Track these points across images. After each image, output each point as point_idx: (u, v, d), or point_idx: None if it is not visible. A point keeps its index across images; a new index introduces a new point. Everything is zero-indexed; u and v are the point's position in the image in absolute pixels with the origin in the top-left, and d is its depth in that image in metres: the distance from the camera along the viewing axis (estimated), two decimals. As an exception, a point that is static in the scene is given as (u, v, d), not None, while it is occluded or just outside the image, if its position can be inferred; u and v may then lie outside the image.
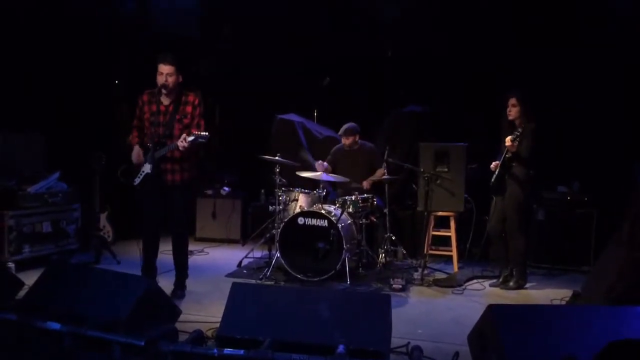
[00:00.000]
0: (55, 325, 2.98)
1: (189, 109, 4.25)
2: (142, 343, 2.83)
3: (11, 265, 4.88)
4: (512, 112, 4.82)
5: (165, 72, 4.16)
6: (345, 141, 5.86)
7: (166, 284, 4.40)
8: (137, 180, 4.27)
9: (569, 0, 6.00)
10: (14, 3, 5.56)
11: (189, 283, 4.61)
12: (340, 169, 5.84)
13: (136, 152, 4.34)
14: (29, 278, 3.77)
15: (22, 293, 3.69)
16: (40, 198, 5.33)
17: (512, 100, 4.83)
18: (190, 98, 4.28)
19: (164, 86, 4.14)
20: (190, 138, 4.02)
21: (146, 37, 6.76)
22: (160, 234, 4.47)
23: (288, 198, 5.41)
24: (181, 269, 4.51)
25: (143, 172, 4.22)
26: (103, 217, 5.90)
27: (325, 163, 5.80)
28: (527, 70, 6.08)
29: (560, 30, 5.99)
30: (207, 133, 4.08)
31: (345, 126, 5.85)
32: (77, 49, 6.14)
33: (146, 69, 4.27)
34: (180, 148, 4.08)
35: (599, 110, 5.89)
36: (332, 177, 5.51)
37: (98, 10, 6.36)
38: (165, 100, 4.28)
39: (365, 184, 5.72)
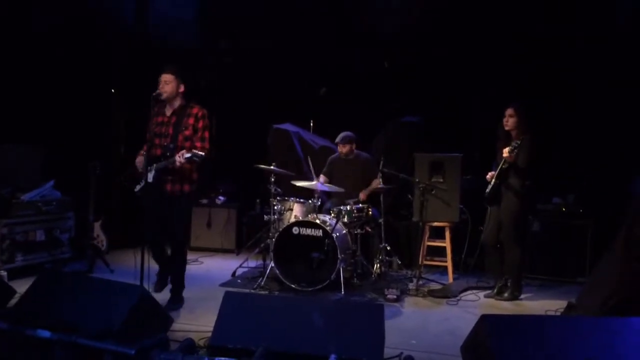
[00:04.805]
0: (46, 334, 2.94)
1: (190, 120, 4.26)
2: (133, 352, 2.80)
3: (3, 273, 4.83)
4: (509, 122, 4.82)
5: (163, 80, 4.21)
6: (342, 149, 5.85)
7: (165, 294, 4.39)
8: (138, 187, 4.27)
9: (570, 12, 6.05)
10: (12, 15, 5.57)
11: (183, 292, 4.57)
12: (336, 179, 5.83)
13: (139, 159, 4.38)
14: (22, 286, 3.73)
15: (13, 301, 3.67)
16: (33, 206, 5.31)
17: (510, 111, 4.83)
18: (194, 110, 4.29)
19: (159, 94, 4.18)
20: (187, 155, 4.04)
21: (144, 48, 6.77)
22: (165, 243, 4.44)
23: (283, 207, 5.40)
24: (176, 280, 4.46)
25: (144, 180, 4.20)
26: (97, 226, 5.85)
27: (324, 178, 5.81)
28: (523, 82, 6.11)
29: (555, 40, 6.04)
30: (202, 153, 4.07)
31: (342, 134, 5.85)
32: (74, 59, 6.14)
33: (143, 79, 4.29)
34: (177, 163, 4.09)
35: (594, 121, 5.92)
36: (327, 187, 5.51)
37: (96, 21, 6.37)
38: (167, 111, 4.32)
39: (362, 196, 5.70)
